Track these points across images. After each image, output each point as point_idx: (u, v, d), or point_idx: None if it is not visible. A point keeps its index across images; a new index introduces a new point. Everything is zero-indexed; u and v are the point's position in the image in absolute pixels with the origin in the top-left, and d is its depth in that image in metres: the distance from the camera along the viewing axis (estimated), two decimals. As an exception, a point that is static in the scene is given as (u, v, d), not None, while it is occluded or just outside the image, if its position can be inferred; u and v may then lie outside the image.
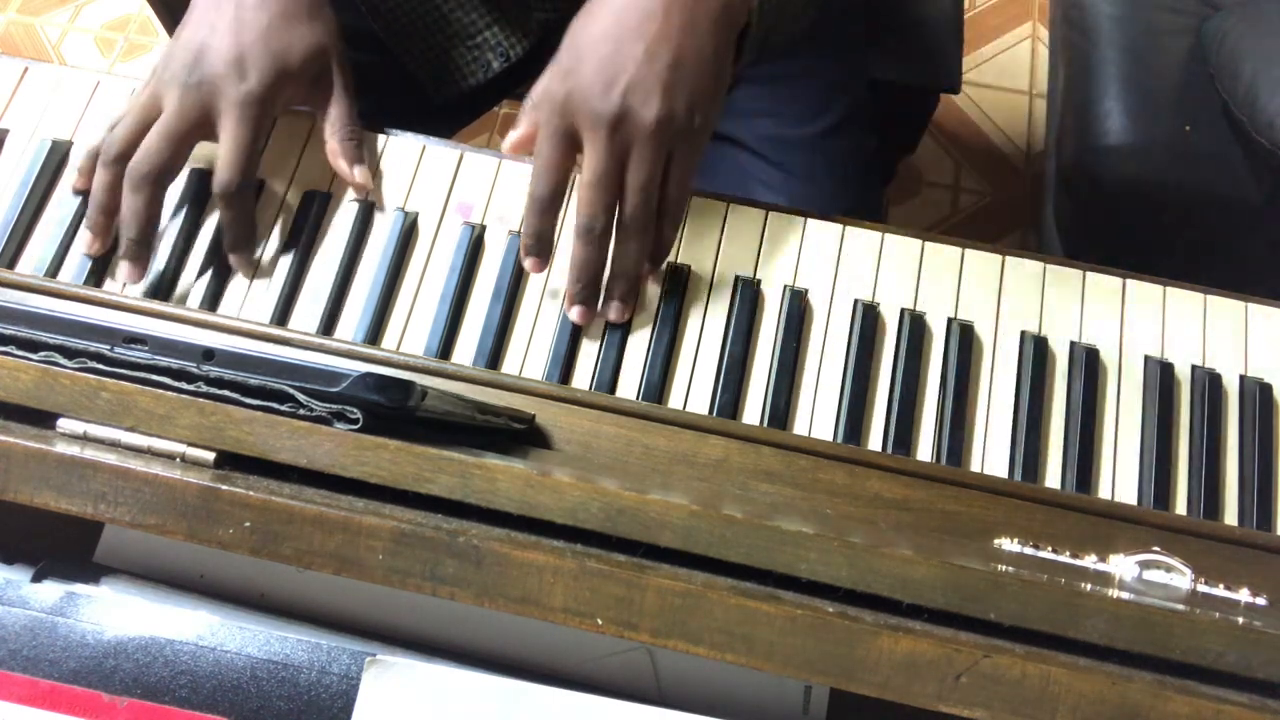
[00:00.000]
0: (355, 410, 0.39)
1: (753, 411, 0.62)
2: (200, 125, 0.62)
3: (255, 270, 0.65)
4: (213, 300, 0.64)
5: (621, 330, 0.63)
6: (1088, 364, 0.63)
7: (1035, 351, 0.63)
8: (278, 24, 0.63)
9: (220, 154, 0.62)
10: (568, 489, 0.38)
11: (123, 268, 0.63)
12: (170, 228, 0.65)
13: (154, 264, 0.64)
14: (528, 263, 0.62)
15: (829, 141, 0.84)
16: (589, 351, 0.63)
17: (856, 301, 0.65)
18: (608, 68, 0.58)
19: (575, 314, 0.62)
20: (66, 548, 0.43)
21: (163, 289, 0.64)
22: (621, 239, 0.61)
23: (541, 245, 0.62)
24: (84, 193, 0.65)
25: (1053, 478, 0.61)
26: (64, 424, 0.38)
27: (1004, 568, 0.42)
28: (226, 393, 0.39)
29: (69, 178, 0.66)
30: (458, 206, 0.67)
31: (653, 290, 0.64)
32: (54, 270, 0.64)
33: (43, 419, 0.39)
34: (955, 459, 0.61)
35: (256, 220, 0.66)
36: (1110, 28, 1.20)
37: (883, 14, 1.06)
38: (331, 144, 0.66)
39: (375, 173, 0.67)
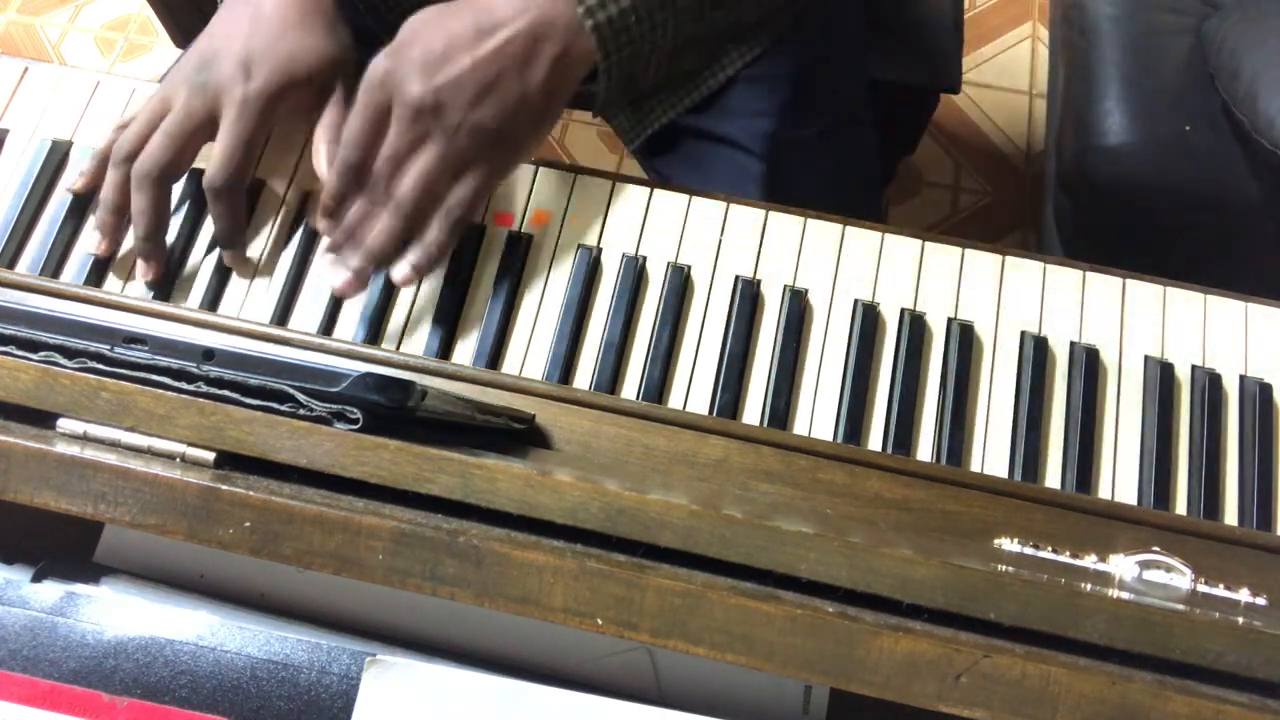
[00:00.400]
0: (355, 410, 0.39)
1: (753, 411, 0.62)
2: (205, 124, 0.63)
3: (249, 267, 0.65)
4: (213, 300, 0.64)
5: (622, 330, 0.63)
6: (1088, 364, 0.63)
7: (1035, 351, 0.63)
8: (290, 33, 0.63)
9: (215, 149, 0.62)
10: (568, 489, 0.38)
11: (139, 266, 0.64)
12: (171, 228, 0.65)
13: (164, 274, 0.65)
14: (322, 224, 0.63)
15: (829, 141, 0.84)
16: (589, 351, 0.63)
17: (856, 301, 0.65)
18: (432, 60, 0.59)
19: (330, 270, 0.63)
20: (66, 548, 0.43)
21: (163, 289, 0.64)
22: (383, 214, 0.61)
23: (338, 207, 0.62)
24: (81, 195, 0.65)
25: (1053, 478, 0.61)
26: (64, 424, 0.38)
27: (1004, 568, 0.42)
28: (226, 393, 0.39)
29: (69, 178, 0.66)
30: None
31: (653, 289, 0.65)
32: (54, 270, 0.64)
33: (43, 419, 0.39)
34: (955, 459, 0.61)
35: (251, 219, 0.66)
36: (1110, 28, 1.20)
37: (883, 14, 1.06)
38: (315, 145, 0.66)
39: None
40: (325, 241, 0.64)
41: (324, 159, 0.65)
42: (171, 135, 0.62)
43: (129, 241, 0.65)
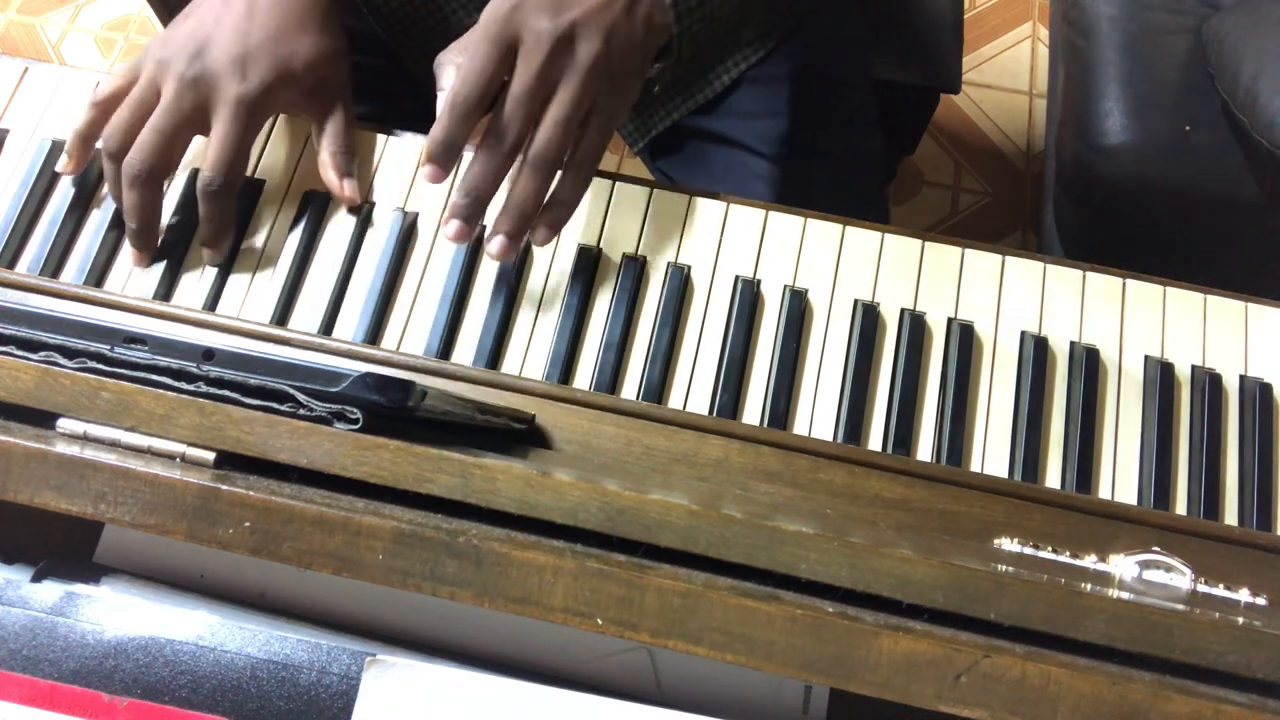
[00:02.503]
0: (355, 410, 0.39)
1: (753, 411, 0.62)
2: (195, 120, 0.62)
3: (224, 262, 0.65)
4: (213, 300, 0.64)
5: (622, 330, 0.63)
6: (1088, 364, 0.63)
7: (1035, 351, 0.63)
8: (287, 29, 0.63)
9: (209, 151, 0.62)
10: (568, 489, 0.38)
11: (130, 254, 0.64)
12: (170, 228, 0.65)
13: (154, 264, 0.65)
14: (427, 170, 0.59)
15: (830, 141, 0.84)
16: (589, 351, 0.63)
17: (856, 301, 0.65)
18: None
19: (451, 229, 0.60)
20: (66, 548, 0.43)
21: (163, 289, 0.64)
22: (524, 171, 0.60)
23: (449, 153, 0.59)
24: (73, 175, 0.65)
25: (1053, 478, 0.61)
26: (64, 424, 0.38)
27: (1004, 568, 0.42)
28: (226, 393, 0.39)
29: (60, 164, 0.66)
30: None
31: (653, 289, 0.65)
32: (54, 270, 0.64)
33: (43, 419, 0.39)
34: (955, 459, 0.61)
35: (252, 218, 0.66)
36: (1110, 28, 1.20)
37: (883, 14, 1.06)
38: (323, 155, 0.65)
39: (374, 173, 0.67)
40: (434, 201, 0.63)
41: (331, 170, 0.65)
42: (162, 133, 0.61)
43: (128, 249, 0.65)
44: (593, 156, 0.62)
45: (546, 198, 0.61)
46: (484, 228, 0.64)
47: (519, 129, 0.59)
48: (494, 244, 0.61)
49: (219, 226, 0.64)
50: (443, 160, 0.59)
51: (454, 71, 0.60)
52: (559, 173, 0.61)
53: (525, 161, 0.60)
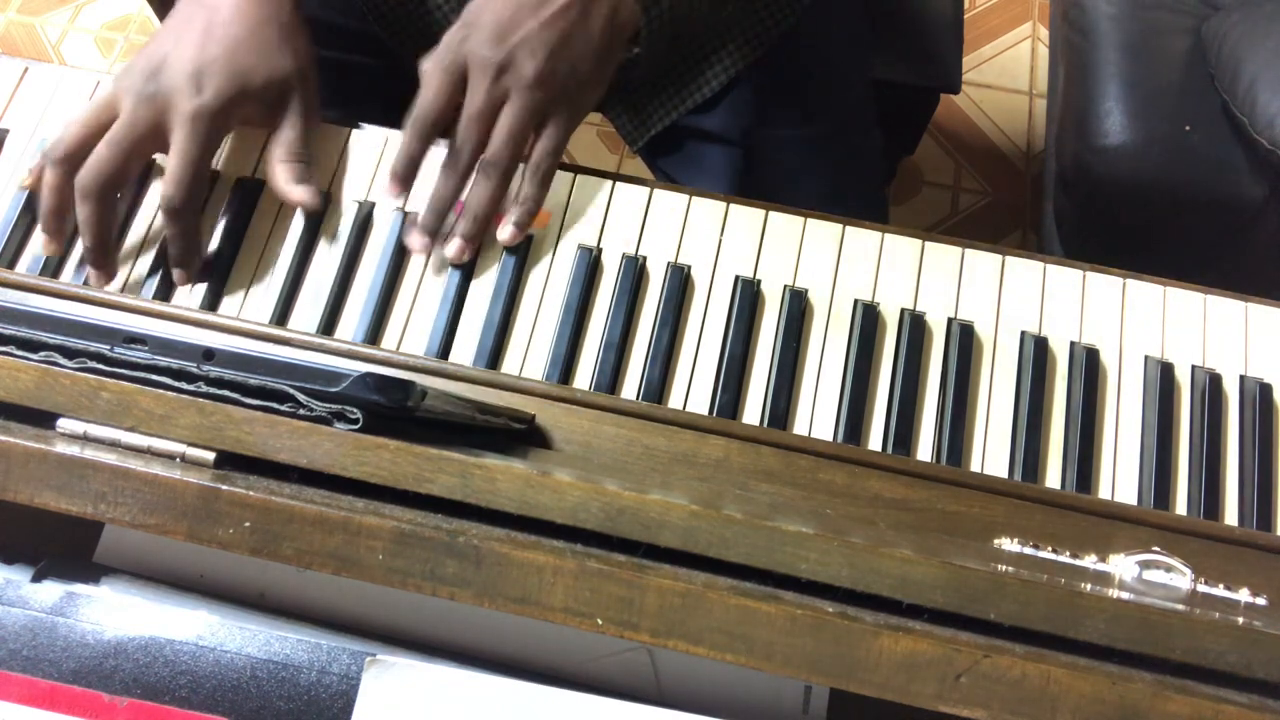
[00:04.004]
0: (355, 410, 0.39)
1: (753, 411, 0.62)
2: (151, 136, 0.62)
3: (223, 262, 0.65)
4: (213, 300, 0.64)
5: (622, 330, 0.63)
6: (1088, 364, 0.63)
7: (1035, 351, 0.63)
8: (245, 44, 0.63)
9: (168, 169, 0.61)
10: (568, 489, 0.38)
11: (90, 274, 0.64)
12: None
13: (154, 264, 0.65)
14: (391, 186, 0.65)
15: (833, 142, 0.84)
16: (589, 351, 0.63)
17: (856, 301, 0.65)
18: (503, 25, 0.63)
19: (414, 241, 0.64)
20: (66, 548, 0.43)
21: (163, 289, 0.64)
22: (478, 176, 0.64)
23: (407, 168, 0.64)
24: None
25: (1053, 478, 0.61)
26: (64, 424, 0.38)
27: (1004, 568, 0.42)
28: (226, 393, 0.39)
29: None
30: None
31: (653, 289, 0.65)
32: (54, 270, 0.64)
33: (43, 419, 0.39)
34: (955, 459, 0.61)
35: (251, 219, 0.66)
36: (1110, 28, 1.20)
37: (883, 14, 1.06)
38: (273, 164, 0.65)
39: (374, 173, 0.67)
40: (395, 209, 0.66)
41: (282, 178, 0.64)
42: (116, 146, 0.61)
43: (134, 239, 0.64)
44: (547, 159, 0.65)
45: (513, 198, 0.65)
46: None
47: (472, 148, 0.63)
48: (450, 246, 0.64)
49: (186, 245, 0.63)
50: (401, 174, 0.65)
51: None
52: (521, 175, 0.65)
53: (479, 169, 0.64)
